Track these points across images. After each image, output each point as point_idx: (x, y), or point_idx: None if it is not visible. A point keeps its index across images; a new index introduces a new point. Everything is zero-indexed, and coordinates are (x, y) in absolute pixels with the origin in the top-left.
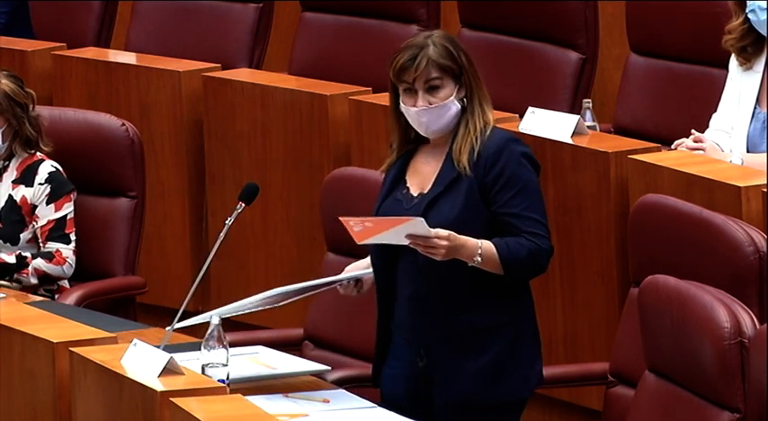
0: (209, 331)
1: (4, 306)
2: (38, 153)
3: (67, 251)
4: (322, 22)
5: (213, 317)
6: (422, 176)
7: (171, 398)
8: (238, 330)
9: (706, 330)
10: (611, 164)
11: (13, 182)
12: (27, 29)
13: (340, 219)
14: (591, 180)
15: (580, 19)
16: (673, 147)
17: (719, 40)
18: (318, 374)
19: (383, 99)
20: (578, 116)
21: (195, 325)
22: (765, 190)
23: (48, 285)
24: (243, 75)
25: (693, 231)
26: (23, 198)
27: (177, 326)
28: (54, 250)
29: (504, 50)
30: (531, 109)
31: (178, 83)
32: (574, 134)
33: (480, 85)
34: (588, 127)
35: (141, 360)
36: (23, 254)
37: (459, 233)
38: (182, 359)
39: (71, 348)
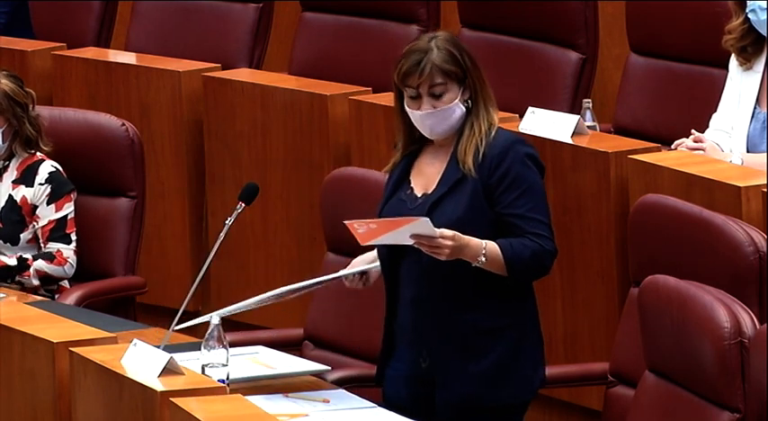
0: (209, 331)
1: (4, 306)
2: (38, 153)
3: (68, 251)
4: (322, 22)
5: (213, 317)
6: (426, 177)
7: (171, 398)
8: (238, 330)
9: (706, 330)
10: (611, 164)
11: (13, 182)
12: (27, 29)
13: (345, 222)
14: (591, 180)
15: (580, 19)
16: (673, 147)
17: (719, 40)
18: (318, 374)
19: (383, 99)
20: (578, 116)
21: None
22: (765, 190)
23: (48, 285)
24: (243, 75)
25: (693, 231)
26: (24, 198)
27: (180, 327)
28: (55, 250)
29: (504, 50)
30: (531, 109)
31: (178, 83)
32: (574, 134)
33: (484, 86)
34: (588, 127)
35: (141, 360)
36: (24, 255)
37: (463, 233)
38: (182, 359)
39: (71, 348)
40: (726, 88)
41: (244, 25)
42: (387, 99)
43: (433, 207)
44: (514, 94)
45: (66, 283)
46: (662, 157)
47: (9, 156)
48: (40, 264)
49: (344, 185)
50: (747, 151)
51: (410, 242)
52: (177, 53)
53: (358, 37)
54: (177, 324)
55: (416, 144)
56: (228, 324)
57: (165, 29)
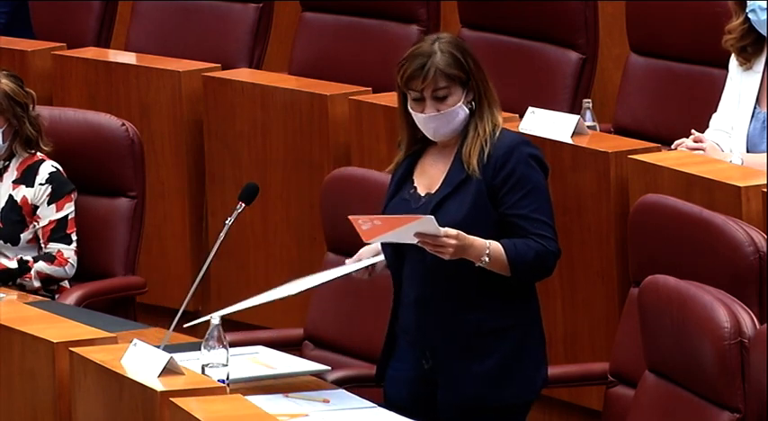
0: (209, 331)
1: (4, 306)
2: (38, 153)
3: (69, 251)
4: (322, 22)
5: (213, 317)
6: (429, 177)
7: (171, 398)
8: (238, 330)
9: (706, 330)
10: (611, 164)
11: (13, 182)
12: (27, 29)
13: (349, 217)
14: (591, 180)
15: (580, 19)
16: (673, 147)
17: (719, 40)
18: (318, 374)
19: (383, 99)
20: (578, 116)
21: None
22: (765, 190)
23: (48, 285)
24: (243, 75)
25: (693, 231)
26: (24, 198)
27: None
28: (55, 251)
29: (504, 50)
30: (531, 109)
31: (178, 83)
32: (574, 134)
33: (488, 87)
34: (588, 127)
35: (141, 360)
36: (25, 258)
37: (467, 233)
38: (182, 359)
39: (71, 348)
40: (726, 88)
41: (244, 25)
42: (387, 99)
43: (436, 207)
44: (514, 94)
45: (66, 283)
46: (662, 157)
47: (9, 156)
48: (41, 265)
49: (344, 185)
50: (747, 151)
51: (414, 241)
52: (177, 53)
53: (358, 37)
54: (177, 324)
55: (419, 144)
56: (228, 324)
57: (165, 29)
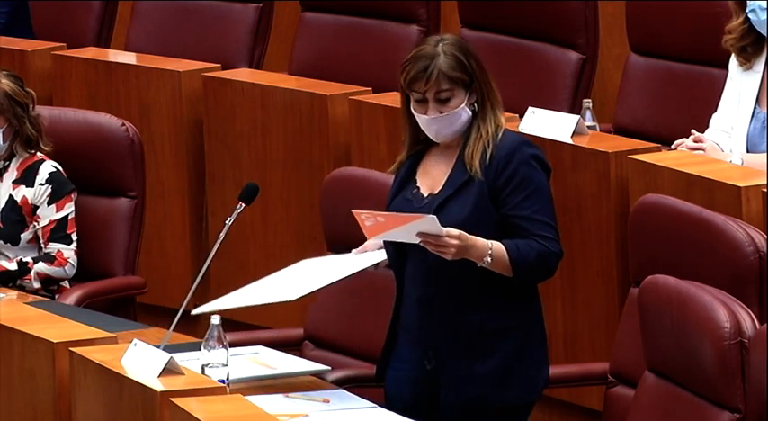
0: (209, 331)
1: (4, 306)
2: (38, 153)
3: (69, 252)
4: (322, 22)
5: (213, 317)
6: (432, 177)
7: (171, 398)
8: (238, 330)
9: (706, 330)
10: (611, 164)
11: (13, 182)
12: (27, 29)
13: (352, 211)
14: (591, 180)
15: (580, 19)
16: (673, 147)
17: (719, 40)
18: (318, 374)
19: (383, 99)
20: (578, 116)
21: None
22: (765, 190)
23: (48, 286)
24: (243, 75)
25: (693, 231)
26: (24, 198)
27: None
28: (55, 251)
29: (504, 50)
30: (531, 109)
31: (178, 83)
32: (574, 134)
33: (491, 89)
34: (588, 127)
35: (141, 360)
36: (24, 259)
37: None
38: (182, 359)
39: (71, 348)
40: (726, 88)
41: (244, 25)
42: (387, 99)
43: (439, 208)
44: (514, 94)
45: (66, 283)
46: (662, 157)
47: (9, 156)
48: (41, 266)
49: (344, 185)
50: (747, 151)
51: (416, 240)
52: (177, 53)
53: (358, 37)
54: (179, 321)
55: (422, 144)
56: (228, 324)
57: (165, 29)
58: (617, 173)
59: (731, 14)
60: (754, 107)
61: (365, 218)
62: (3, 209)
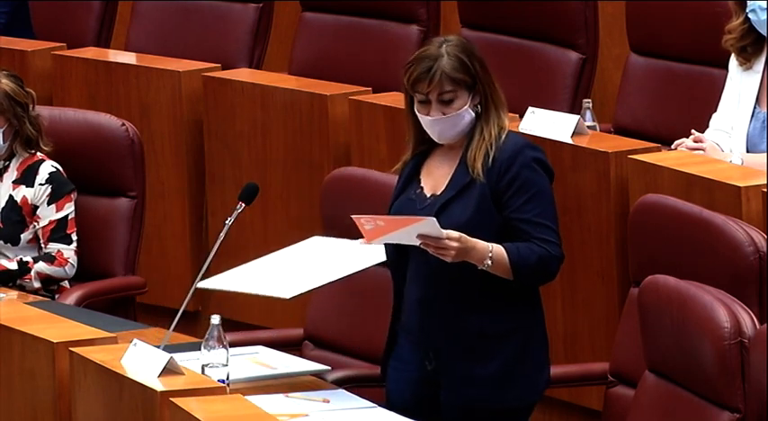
0: (209, 331)
1: (4, 306)
2: (38, 153)
3: (69, 251)
4: (322, 22)
5: (213, 317)
6: (435, 178)
7: (171, 398)
8: (238, 330)
9: (706, 330)
10: (611, 164)
11: (13, 182)
12: (27, 29)
13: (352, 216)
14: (591, 180)
15: (580, 19)
16: (673, 147)
17: (719, 40)
18: (318, 374)
19: (383, 99)
20: (578, 116)
21: (195, 325)
22: (765, 190)
23: (49, 286)
24: (243, 75)
25: (693, 231)
26: (24, 198)
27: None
28: (55, 251)
29: (504, 50)
30: (531, 109)
31: (178, 83)
32: (574, 134)
33: (495, 91)
34: (588, 127)
35: (141, 360)
36: (24, 258)
37: (470, 237)
38: (182, 359)
39: (71, 348)
40: (726, 88)
41: (244, 25)
42: (387, 99)
43: (441, 209)
44: (514, 94)
45: (66, 283)
46: (662, 157)
47: (9, 156)
48: (41, 266)
49: (344, 185)
50: (747, 151)
51: (416, 242)
52: (177, 53)
53: (358, 37)
54: (177, 323)
55: (426, 144)
56: (228, 324)
57: (165, 29)
58: (617, 173)
59: (731, 14)
60: (754, 107)
61: (365, 222)
62: (3, 209)
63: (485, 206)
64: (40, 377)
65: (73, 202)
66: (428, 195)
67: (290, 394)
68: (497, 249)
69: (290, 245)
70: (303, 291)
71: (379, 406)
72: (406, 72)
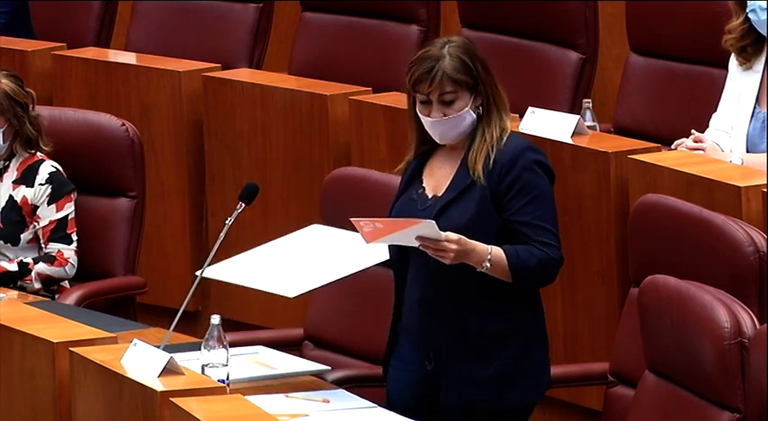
0: (209, 331)
1: (4, 306)
2: (38, 153)
3: (69, 252)
4: (322, 22)
5: (213, 317)
6: (436, 179)
7: (171, 398)
8: (238, 330)
9: (706, 330)
10: (611, 164)
11: (13, 182)
12: (27, 29)
13: (351, 220)
14: (591, 180)
15: (580, 19)
16: (673, 147)
17: (719, 40)
18: (318, 374)
19: (383, 99)
20: (578, 116)
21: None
22: (765, 190)
23: (49, 286)
24: (243, 75)
25: (693, 231)
26: (24, 198)
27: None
28: (55, 251)
29: (504, 50)
30: (531, 109)
31: (178, 83)
32: (574, 134)
33: (497, 92)
34: (588, 127)
35: (141, 360)
36: (25, 260)
37: (470, 239)
38: (182, 359)
39: (71, 348)
40: (725, 88)
41: (244, 25)
42: (387, 99)
43: (441, 210)
44: (514, 94)
45: (66, 283)
46: (662, 157)
47: (9, 156)
48: (42, 267)
49: (344, 185)
50: (747, 151)
51: (415, 244)
52: (177, 53)
53: (358, 37)
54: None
55: (429, 145)
56: (228, 324)
57: (165, 29)
58: (617, 173)
59: (731, 14)
60: (754, 107)
61: (364, 224)
62: (3, 209)
63: (485, 208)
64: (40, 377)
65: (73, 202)
66: (429, 196)
67: (290, 394)
68: (496, 252)
69: None
70: (307, 290)
71: (379, 406)
72: (408, 72)
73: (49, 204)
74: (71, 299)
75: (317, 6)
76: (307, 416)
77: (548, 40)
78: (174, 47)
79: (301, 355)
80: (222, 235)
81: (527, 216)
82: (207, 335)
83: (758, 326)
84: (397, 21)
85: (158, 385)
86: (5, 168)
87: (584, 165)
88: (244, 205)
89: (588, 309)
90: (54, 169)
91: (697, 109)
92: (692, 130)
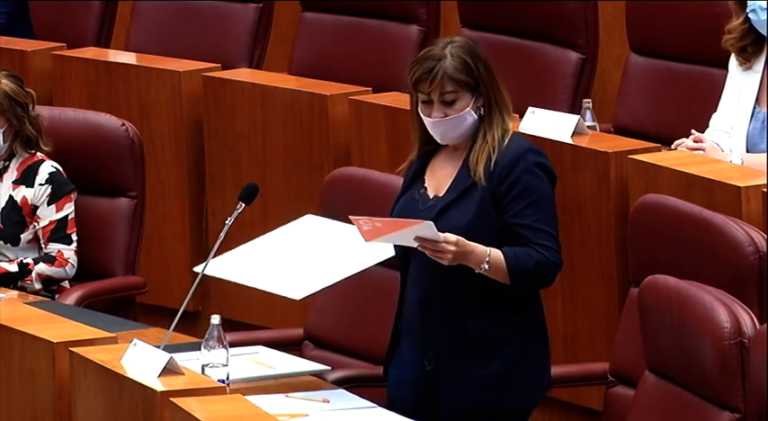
0: (209, 331)
1: (4, 306)
2: (38, 153)
3: (69, 252)
4: (322, 22)
5: (213, 317)
6: (438, 179)
7: (171, 398)
8: (238, 330)
9: (706, 330)
10: (611, 164)
11: (13, 182)
12: (27, 29)
13: (350, 217)
14: (591, 180)
15: (580, 19)
16: (673, 147)
17: (719, 40)
18: (318, 374)
19: (383, 99)
20: (578, 116)
21: (195, 325)
22: (765, 190)
23: (49, 286)
24: (243, 75)
25: (693, 231)
26: (24, 198)
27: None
28: (55, 251)
29: (504, 50)
30: (531, 109)
31: (178, 83)
32: (574, 134)
33: (500, 93)
34: (588, 127)
35: (141, 360)
36: (25, 260)
37: (470, 240)
38: (182, 359)
39: (71, 348)
40: (725, 88)
41: (244, 25)
42: (387, 99)
43: (442, 211)
44: (514, 94)
45: (66, 283)
46: (662, 157)
47: (9, 157)
48: (42, 267)
49: (344, 185)
50: (747, 151)
51: (414, 244)
52: (177, 53)
53: (358, 37)
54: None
55: (432, 145)
56: (228, 324)
57: (165, 29)
58: (617, 173)
59: (731, 14)
60: (754, 107)
61: (363, 223)
62: (3, 209)
63: (485, 209)
64: (40, 377)
65: (73, 202)
66: (431, 196)
67: (290, 394)
68: (495, 254)
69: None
70: (313, 292)
71: (379, 406)
72: (410, 71)
73: (48, 204)
74: (71, 299)
75: (317, 6)
76: (307, 416)
77: (548, 40)
78: (174, 47)
79: (301, 355)
80: (222, 235)
81: (527, 218)
82: (207, 335)
83: (758, 326)
84: (397, 21)
85: (158, 385)
86: (5, 168)
87: (584, 165)
88: (244, 205)
89: (588, 309)
90: (54, 169)
91: (697, 109)
92: (692, 130)
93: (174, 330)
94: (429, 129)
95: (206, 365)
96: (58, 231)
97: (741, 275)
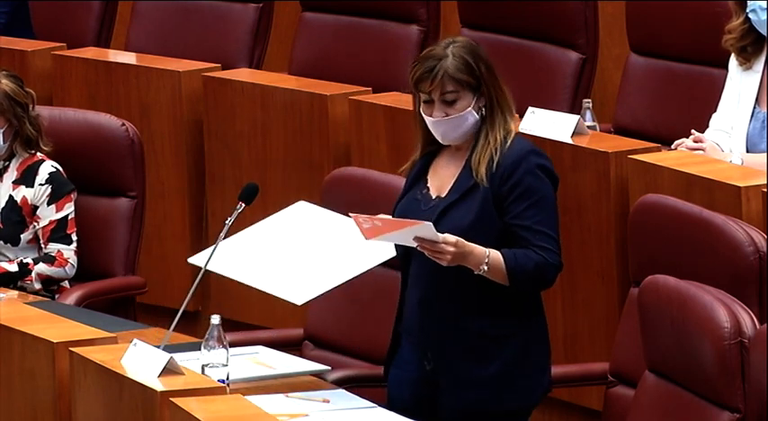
0: (209, 331)
1: (4, 306)
2: (38, 153)
3: (69, 252)
4: (322, 22)
5: (213, 317)
6: (440, 179)
7: (171, 398)
8: (238, 330)
9: (706, 330)
10: (611, 164)
11: (13, 182)
12: (27, 29)
13: (350, 215)
14: (591, 180)
15: (580, 19)
16: (673, 147)
17: (719, 40)
18: (318, 374)
19: (383, 99)
20: (578, 116)
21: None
22: (765, 190)
23: (49, 286)
24: (243, 75)
25: (693, 231)
26: (24, 198)
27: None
28: (55, 251)
29: (504, 50)
30: (531, 109)
31: (178, 83)
32: (574, 134)
33: (502, 94)
34: (588, 127)
35: (141, 360)
36: (25, 260)
37: (470, 241)
38: (182, 359)
39: (71, 348)
40: (725, 88)
41: (244, 25)
42: (387, 99)
43: (444, 212)
44: (514, 94)
45: (66, 283)
46: (662, 157)
47: (9, 157)
48: (42, 267)
49: (344, 185)
50: (747, 151)
51: (413, 244)
52: (177, 53)
53: (358, 37)
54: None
55: (435, 145)
56: (228, 324)
57: (165, 29)
58: (617, 173)
59: (731, 14)
60: (754, 107)
61: (363, 221)
62: (3, 209)
63: (487, 210)
64: (40, 377)
65: (73, 202)
66: (433, 196)
67: (290, 394)
68: (494, 255)
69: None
70: (314, 297)
71: (379, 406)
72: (411, 71)
73: (48, 204)
74: (71, 299)
75: (317, 6)
76: (307, 416)
77: (548, 40)
78: (174, 47)
79: (301, 355)
80: (222, 235)
81: (528, 220)
82: (207, 335)
83: (758, 326)
84: (397, 21)
85: (158, 385)
86: (5, 168)
87: (584, 165)
88: (244, 205)
89: (588, 310)
90: (54, 169)
91: (697, 109)
92: (692, 130)
93: (174, 330)
94: (430, 129)
95: (206, 365)
96: (58, 231)
97: (741, 275)
